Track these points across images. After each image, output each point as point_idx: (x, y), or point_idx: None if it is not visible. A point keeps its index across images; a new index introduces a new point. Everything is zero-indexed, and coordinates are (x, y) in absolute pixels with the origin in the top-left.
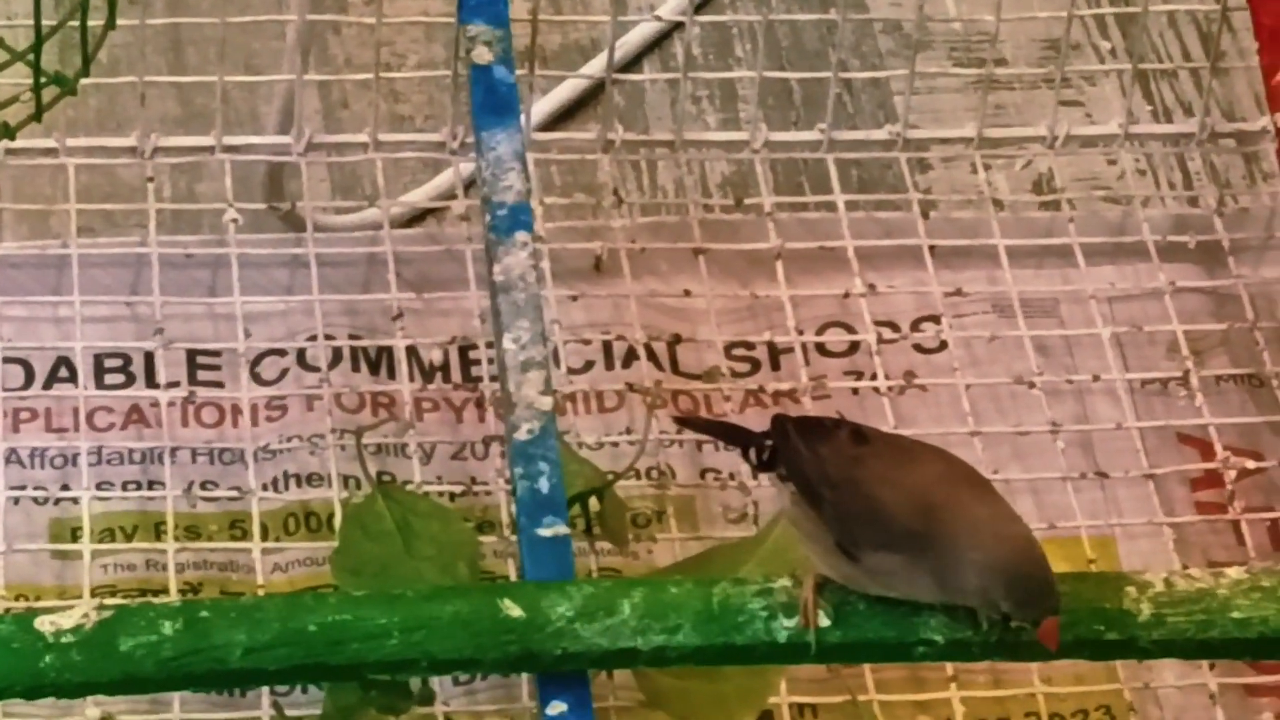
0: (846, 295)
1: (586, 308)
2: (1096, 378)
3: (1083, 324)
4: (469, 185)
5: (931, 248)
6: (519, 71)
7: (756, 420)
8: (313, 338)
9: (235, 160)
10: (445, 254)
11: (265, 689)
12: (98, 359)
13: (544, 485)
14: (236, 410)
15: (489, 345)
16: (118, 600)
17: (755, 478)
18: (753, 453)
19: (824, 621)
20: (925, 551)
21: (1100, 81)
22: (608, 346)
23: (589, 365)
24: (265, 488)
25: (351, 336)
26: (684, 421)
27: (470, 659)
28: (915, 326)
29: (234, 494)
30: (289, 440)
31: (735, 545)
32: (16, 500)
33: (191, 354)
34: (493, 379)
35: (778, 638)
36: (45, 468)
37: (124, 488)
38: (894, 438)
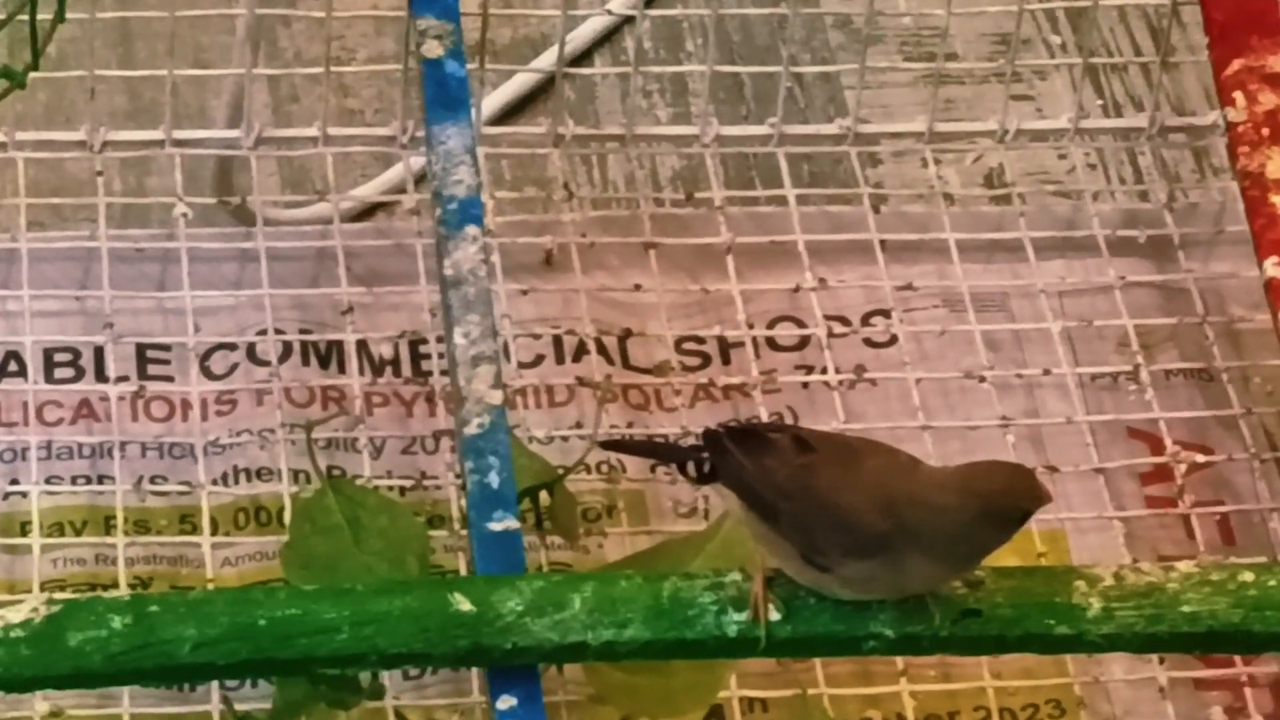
0: (797, 289)
1: (536, 302)
2: (1046, 372)
3: (1032, 318)
4: (419, 179)
5: (882, 242)
6: (469, 65)
7: (707, 415)
8: (262, 332)
9: (185, 154)
10: (395, 248)
11: (215, 683)
12: (47, 353)
13: (494, 480)
14: (186, 405)
15: (439, 340)
16: (67, 594)
17: (699, 488)
18: (690, 467)
19: (774, 616)
20: (896, 546)
21: (1050, 76)
22: (558, 341)
23: (539, 359)
24: (215, 482)
25: (301, 331)
26: (613, 445)
27: (420, 653)
28: (865, 321)
29: (184, 488)
30: (239, 435)
31: (685, 540)
32: None
33: (141, 348)
34: (443, 373)
35: (727, 632)
36: None
37: (73, 482)
38: (835, 439)
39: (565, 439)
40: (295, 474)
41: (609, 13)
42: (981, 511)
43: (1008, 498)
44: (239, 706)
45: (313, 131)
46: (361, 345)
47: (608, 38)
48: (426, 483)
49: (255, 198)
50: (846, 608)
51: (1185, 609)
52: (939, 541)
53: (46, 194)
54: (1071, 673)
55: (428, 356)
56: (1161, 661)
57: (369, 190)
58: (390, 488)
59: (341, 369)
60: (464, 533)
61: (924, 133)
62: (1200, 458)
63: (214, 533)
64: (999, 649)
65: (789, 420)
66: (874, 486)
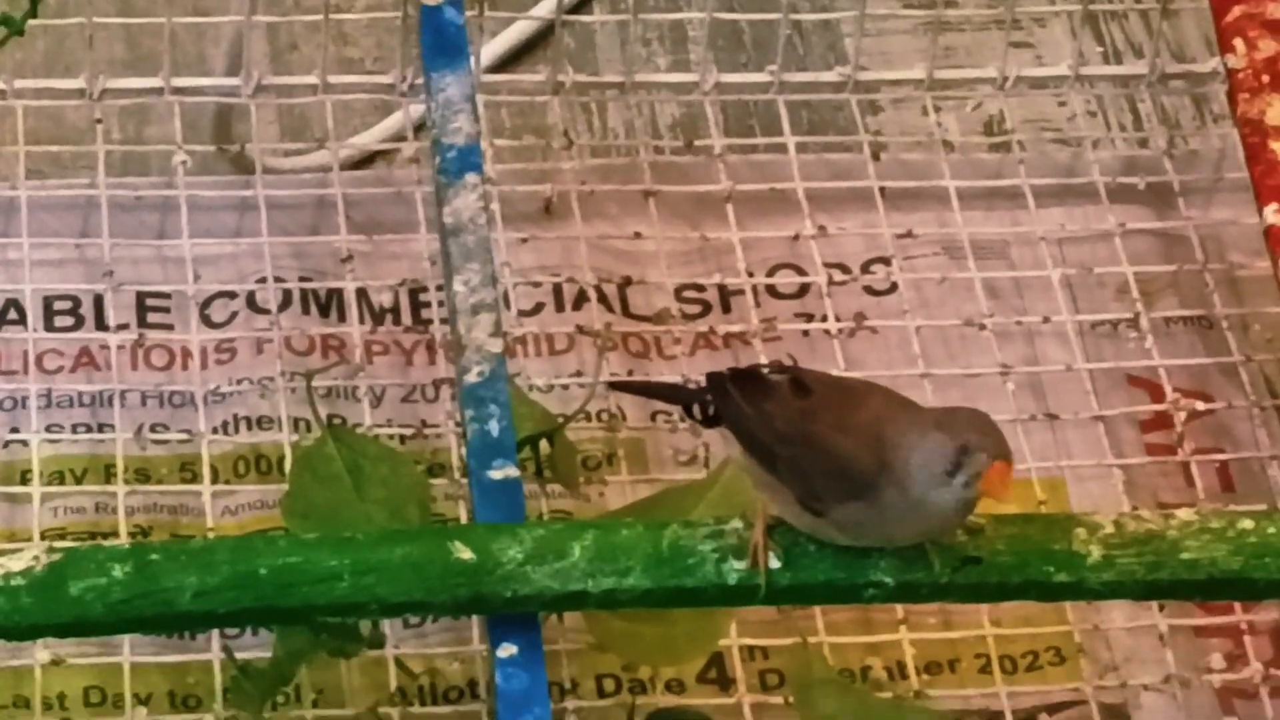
0: (797, 237)
1: (536, 250)
2: (1046, 319)
3: (1032, 266)
4: (418, 128)
5: (882, 190)
6: (468, 13)
7: (707, 363)
8: (262, 280)
9: (184, 103)
10: (395, 196)
11: (215, 632)
12: (47, 301)
13: (494, 428)
14: (186, 353)
15: (439, 288)
16: (67, 543)
17: (699, 435)
18: (696, 409)
19: (774, 564)
20: (886, 486)
21: (1050, 23)
22: (558, 289)
23: (539, 308)
24: (215, 430)
25: (301, 279)
26: (620, 386)
27: (420, 602)
28: (865, 268)
29: (184, 437)
30: (239, 383)
31: (685, 488)
32: None
33: (141, 297)
34: (443, 322)
35: (728, 580)
36: None
37: (73, 430)
38: (832, 381)
39: (565, 387)
40: (295, 422)
41: None
42: (948, 441)
43: (974, 436)
44: (239, 655)
45: (312, 79)
46: (361, 293)
47: None
48: (427, 431)
49: (254, 146)
50: (847, 556)
51: (1185, 556)
52: (907, 477)
53: (46, 142)
54: (1071, 620)
55: (428, 305)
56: (1161, 609)
57: (368, 138)
58: (390, 436)
59: (341, 317)
60: (464, 481)
61: (924, 80)
62: (1200, 405)
63: (214, 481)
64: (999, 596)
65: None
66: (866, 429)
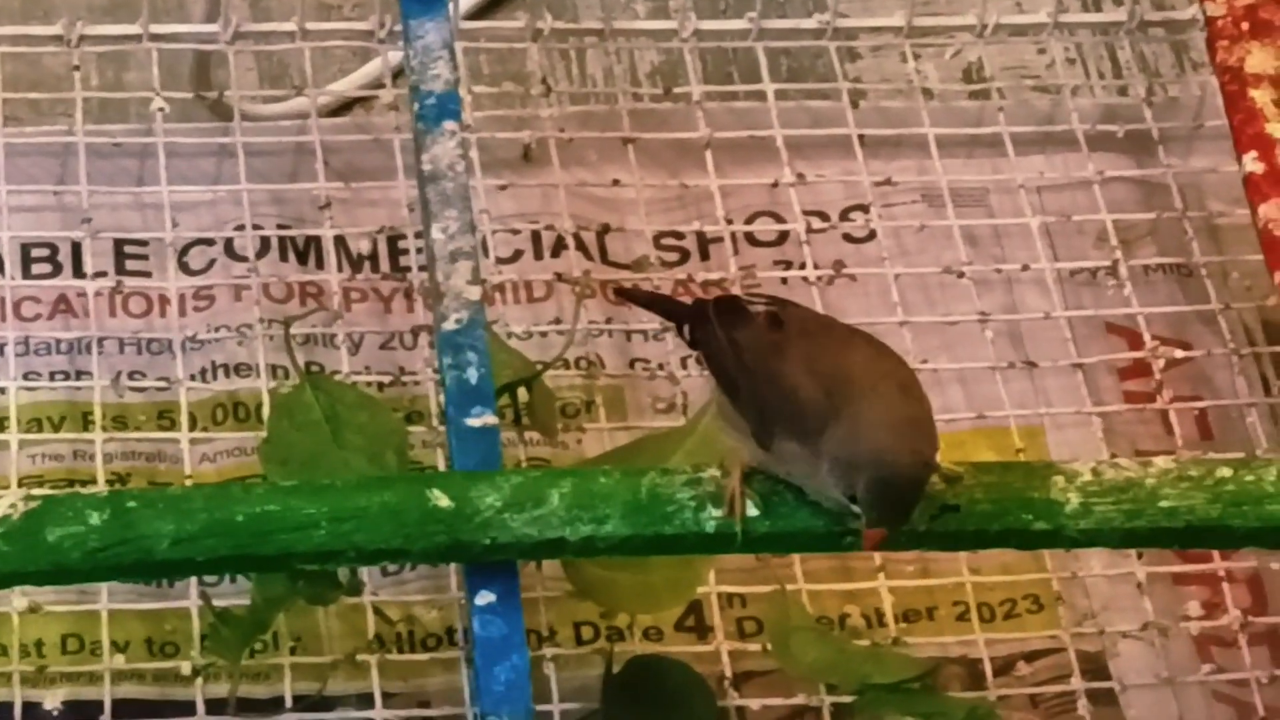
0: (775, 185)
1: (515, 197)
2: (1025, 267)
3: (1012, 213)
4: (397, 74)
5: (861, 137)
6: None
7: None
8: (240, 227)
9: (162, 49)
10: (373, 143)
11: (193, 579)
12: (24, 248)
13: (472, 375)
14: (164, 300)
15: (417, 235)
16: (45, 490)
17: (685, 367)
18: (686, 330)
19: (752, 511)
20: (824, 440)
21: None
22: (536, 236)
23: (517, 255)
24: (193, 378)
25: (279, 226)
26: (624, 294)
27: (398, 549)
28: (844, 216)
29: (162, 384)
30: (217, 330)
31: (664, 435)
32: None
33: (119, 244)
34: (421, 269)
35: (705, 528)
36: None
37: (51, 378)
38: (815, 321)
39: (544, 334)
40: (273, 369)
41: None
42: (866, 478)
43: (877, 498)
44: (217, 602)
45: (290, 26)
46: (340, 240)
47: None
48: (405, 378)
49: (233, 92)
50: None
51: (1163, 504)
52: (835, 456)
53: (23, 89)
54: (1049, 568)
55: (406, 252)
56: (1139, 557)
57: (347, 85)
58: (369, 383)
59: (320, 264)
60: (442, 428)
61: (903, 27)
62: (1179, 353)
63: (192, 428)
64: (977, 544)
65: None
66: (829, 376)
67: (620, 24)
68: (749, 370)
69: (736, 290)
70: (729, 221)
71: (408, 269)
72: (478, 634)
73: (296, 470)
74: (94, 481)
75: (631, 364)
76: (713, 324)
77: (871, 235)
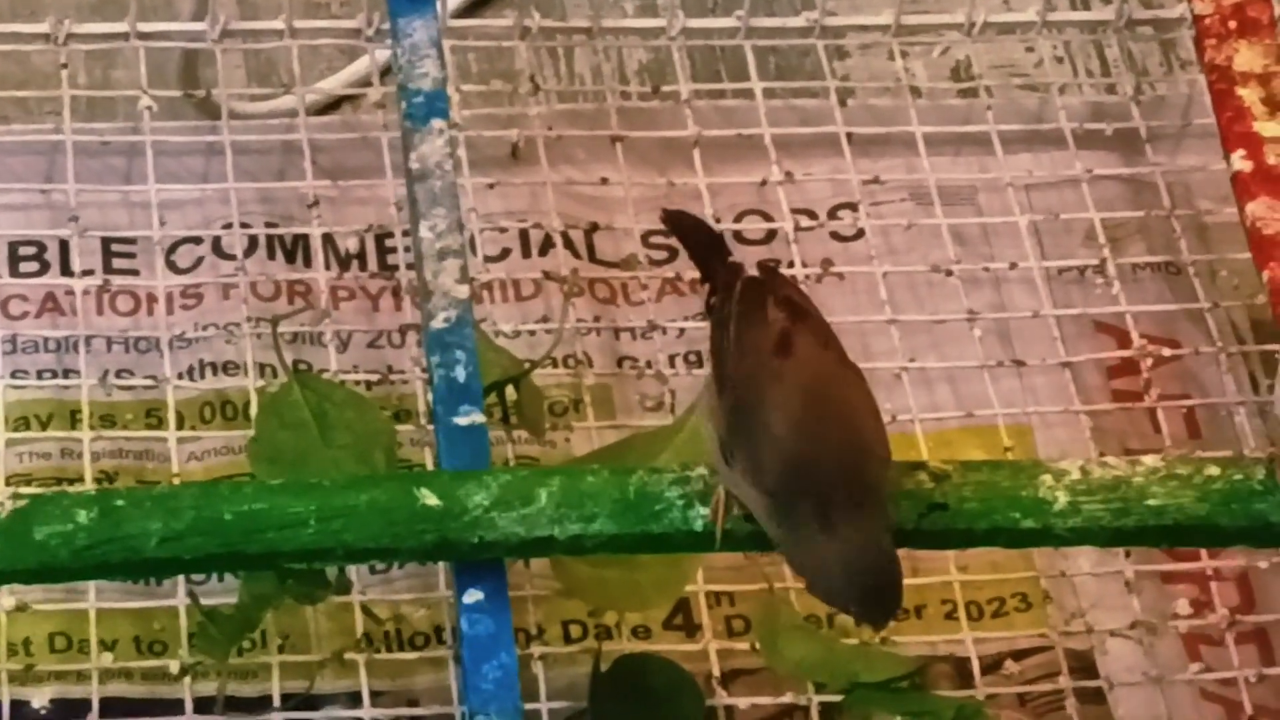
0: (764, 183)
1: (503, 195)
2: (1013, 265)
3: (1000, 212)
4: (385, 72)
5: (849, 135)
6: None
7: (674, 309)
8: (228, 225)
9: (150, 47)
10: (361, 141)
11: (181, 578)
12: (12, 247)
13: (460, 374)
14: (152, 298)
15: (405, 233)
16: (33, 489)
17: (673, 366)
18: (707, 291)
19: (736, 511)
20: (778, 510)
21: None
22: (524, 234)
23: (506, 253)
24: (181, 376)
25: (267, 224)
26: (670, 217)
27: (387, 548)
28: (832, 214)
29: (149, 382)
30: (205, 328)
31: (652, 434)
32: None
33: (106, 242)
34: (409, 267)
35: (694, 526)
36: None
37: (39, 376)
38: (817, 359)
39: (532, 333)
40: (261, 368)
41: None
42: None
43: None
44: (205, 601)
45: (278, 24)
46: (327, 239)
47: None
48: (393, 377)
49: (221, 91)
50: None
51: (1151, 503)
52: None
53: (11, 87)
54: (1038, 566)
55: (394, 250)
56: (1128, 555)
57: (335, 83)
58: (357, 382)
59: (307, 263)
60: (430, 427)
61: (891, 25)
62: (1167, 351)
63: (180, 427)
64: (965, 543)
65: None
66: (800, 433)
67: (608, 22)
68: (736, 383)
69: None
70: (717, 220)
71: (396, 267)
72: (466, 632)
73: (284, 469)
74: (82, 480)
75: (619, 362)
76: (730, 307)
77: (859, 234)
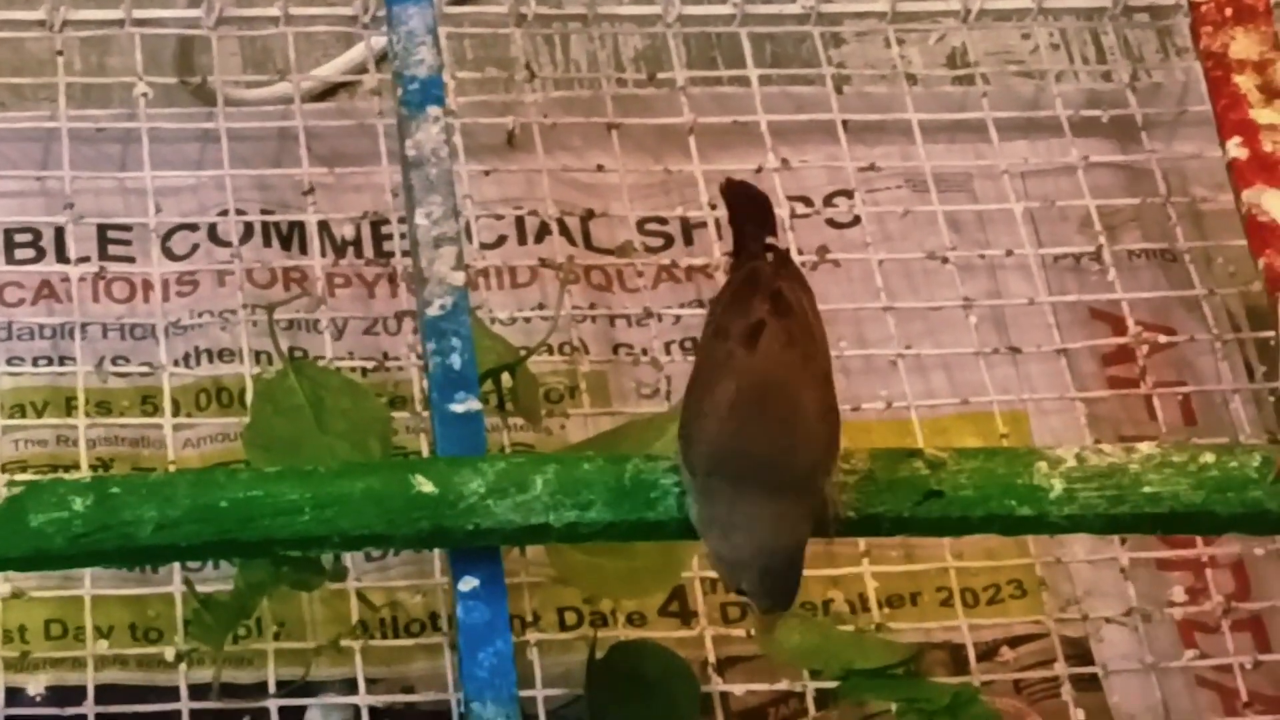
0: (759, 170)
1: (499, 183)
2: (1009, 253)
3: (995, 199)
4: (380, 59)
5: (845, 122)
6: None
7: (670, 296)
8: (224, 213)
9: (145, 34)
10: (357, 129)
11: (176, 565)
12: (7, 234)
13: (456, 361)
14: (147, 285)
15: (401, 220)
16: (28, 476)
17: (668, 353)
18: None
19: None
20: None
21: None
22: (520, 222)
23: (501, 240)
24: (176, 363)
25: (263, 211)
26: (731, 187)
27: (382, 535)
28: (828, 201)
29: (145, 369)
30: (200, 315)
31: (647, 421)
32: None
33: (102, 229)
34: (405, 254)
35: (689, 513)
36: None
37: (34, 363)
38: (775, 355)
39: (527, 320)
40: (257, 355)
41: None
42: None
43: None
44: (201, 588)
45: (274, 10)
46: (323, 226)
47: None
48: (388, 364)
49: (216, 77)
50: None
51: (1147, 490)
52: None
53: (6, 74)
54: (1033, 553)
55: (390, 237)
56: (1123, 542)
57: (330, 70)
58: (352, 369)
59: (303, 250)
60: (426, 414)
61: (887, 12)
62: (1162, 338)
63: (175, 414)
64: (961, 530)
65: None
66: (736, 429)
67: (604, 9)
68: (699, 363)
69: (720, 276)
70: (713, 207)
71: (391, 254)
72: (461, 619)
73: (280, 456)
74: (77, 467)
75: (615, 349)
76: (726, 290)
77: (855, 220)
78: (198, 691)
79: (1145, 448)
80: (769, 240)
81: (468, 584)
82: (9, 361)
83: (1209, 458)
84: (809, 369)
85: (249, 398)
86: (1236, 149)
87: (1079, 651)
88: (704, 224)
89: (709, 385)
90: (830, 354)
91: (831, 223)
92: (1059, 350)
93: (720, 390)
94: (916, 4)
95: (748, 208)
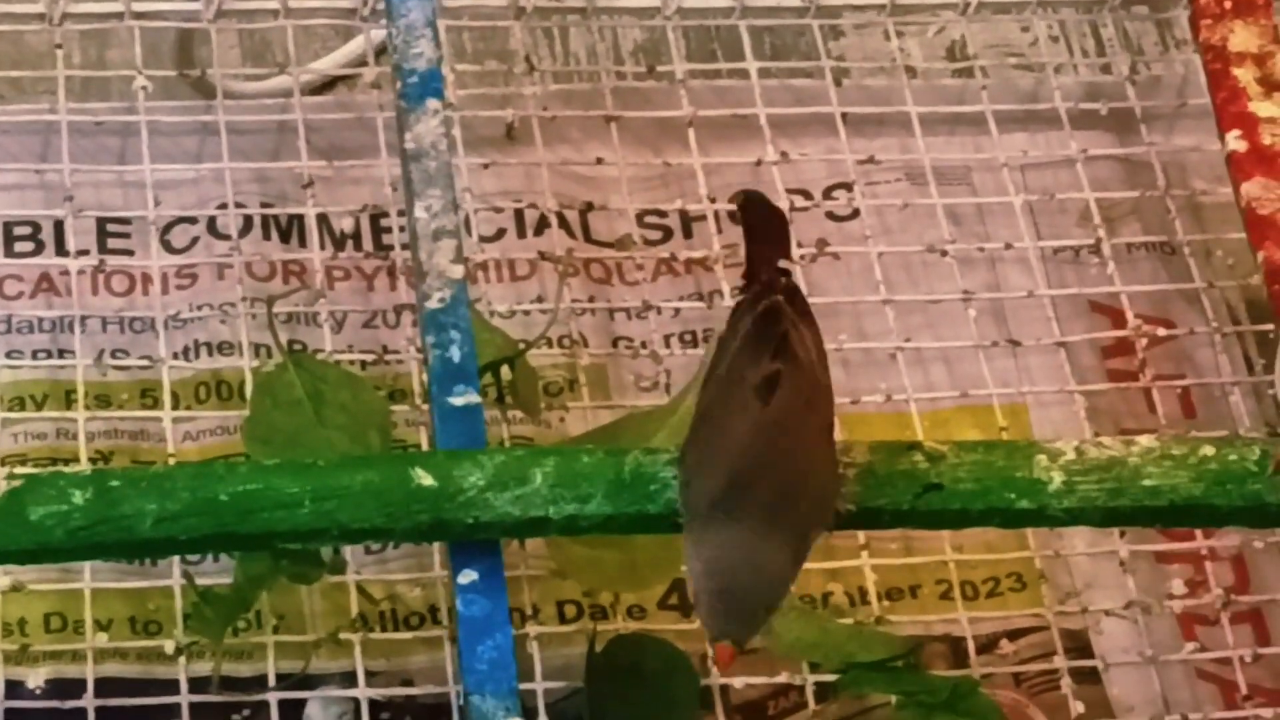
0: (759, 163)
1: (498, 175)
2: (1008, 245)
3: (995, 191)
4: (380, 52)
5: (844, 115)
6: None
7: (669, 289)
8: (223, 206)
9: (144, 27)
10: (356, 121)
11: (176, 558)
12: (7, 227)
13: (455, 354)
14: (147, 278)
15: (400, 213)
16: (28, 469)
17: (668, 346)
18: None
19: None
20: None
21: None
22: (519, 214)
23: (500, 233)
24: (176, 356)
25: (262, 204)
26: (749, 200)
27: (382, 528)
28: (828, 194)
29: (145, 362)
30: (199, 309)
31: (647, 414)
32: None
33: (101, 222)
34: (404, 247)
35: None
36: None
37: (34, 356)
38: (798, 415)
39: (527, 313)
40: (256, 348)
41: None
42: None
43: (718, 614)
44: (200, 581)
45: (273, 3)
46: (322, 219)
47: None
48: (388, 357)
49: (215, 70)
50: None
51: (1146, 483)
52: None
53: (5, 67)
54: (1033, 546)
55: (389, 230)
56: (1122, 535)
57: (330, 63)
58: (351, 362)
59: (302, 243)
60: (425, 407)
61: (886, 5)
62: (1162, 331)
63: (175, 407)
64: (960, 523)
65: None
66: (739, 485)
67: (603, 2)
68: (709, 407)
69: (720, 269)
70: (712, 200)
71: (390, 247)
72: (461, 612)
73: (279, 449)
74: (77, 460)
75: (614, 342)
76: (744, 327)
77: (854, 213)
78: (197, 684)
79: (1145, 440)
80: (782, 264)
81: (467, 577)
82: (8, 354)
83: (1208, 450)
84: (814, 422)
85: (248, 391)
86: (1236, 142)
87: (1079, 644)
88: (703, 217)
89: (721, 425)
90: (834, 402)
91: (831, 215)
92: (1058, 343)
93: (733, 432)
94: None
95: (764, 226)
